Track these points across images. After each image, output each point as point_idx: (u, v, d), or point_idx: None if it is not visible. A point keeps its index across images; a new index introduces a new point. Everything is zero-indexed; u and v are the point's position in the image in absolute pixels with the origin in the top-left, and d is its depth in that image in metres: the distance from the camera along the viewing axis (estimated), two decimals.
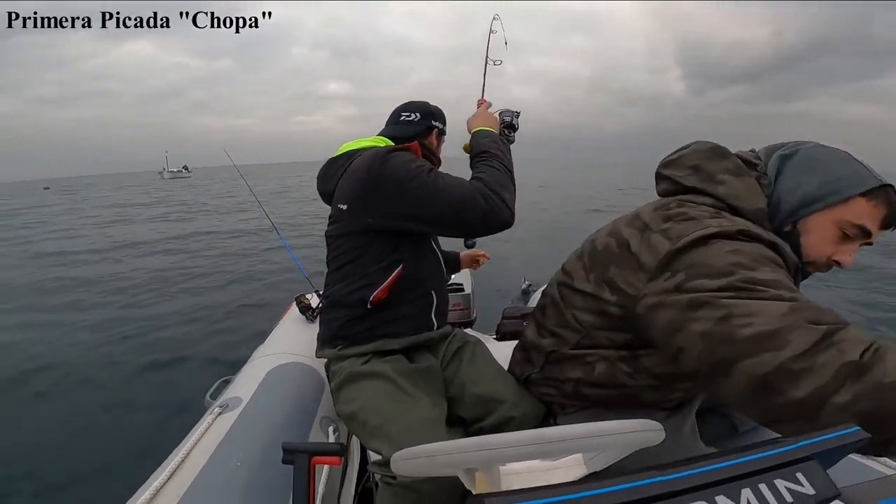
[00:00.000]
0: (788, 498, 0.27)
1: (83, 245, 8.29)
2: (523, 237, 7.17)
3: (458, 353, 1.13)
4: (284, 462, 0.70)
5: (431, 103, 1.19)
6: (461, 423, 1.05)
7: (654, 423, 0.53)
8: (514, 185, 1.04)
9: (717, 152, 0.80)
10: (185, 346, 3.31)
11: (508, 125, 1.22)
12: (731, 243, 0.64)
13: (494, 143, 1.08)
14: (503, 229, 1.01)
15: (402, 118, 1.15)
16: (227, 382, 1.26)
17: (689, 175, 0.80)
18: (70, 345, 3.40)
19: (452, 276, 1.45)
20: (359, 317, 1.04)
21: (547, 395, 0.95)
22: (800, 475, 0.28)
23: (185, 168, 65.93)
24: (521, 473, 0.59)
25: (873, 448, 0.55)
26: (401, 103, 1.19)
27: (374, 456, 0.94)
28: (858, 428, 0.30)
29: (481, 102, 1.29)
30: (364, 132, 1.21)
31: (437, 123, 1.17)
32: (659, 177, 0.87)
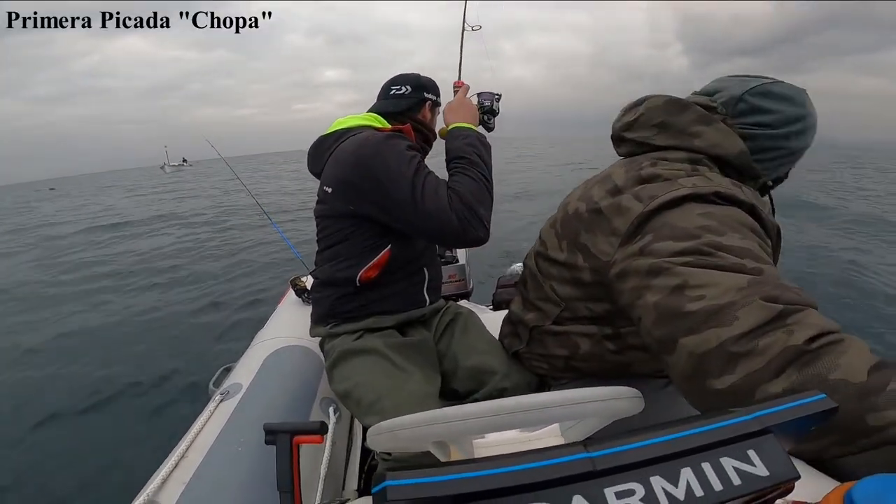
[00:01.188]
0: (735, 480, 0.24)
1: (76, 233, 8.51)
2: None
3: (449, 326, 1.12)
4: (267, 443, 0.70)
5: (422, 74, 1.13)
6: (456, 397, 1.04)
7: (631, 390, 0.49)
8: (491, 195, 0.97)
9: (676, 104, 0.75)
10: (190, 337, 3.36)
11: (488, 110, 1.12)
12: (704, 206, 0.61)
13: (472, 147, 0.99)
14: (475, 246, 0.95)
15: (392, 92, 1.10)
16: (229, 370, 1.27)
17: (657, 134, 0.76)
18: (70, 348, 3.41)
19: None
20: (349, 294, 1.03)
21: (538, 368, 0.94)
22: (751, 452, 0.24)
23: (185, 160, 65.09)
24: (495, 446, 0.57)
25: (805, 456, 0.50)
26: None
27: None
28: (824, 395, 0.26)
29: (458, 85, 1.16)
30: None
31: (429, 95, 1.11)
32: (621, 140, 0.83)
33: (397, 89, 1.09)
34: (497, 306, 1.67)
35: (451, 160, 0.99)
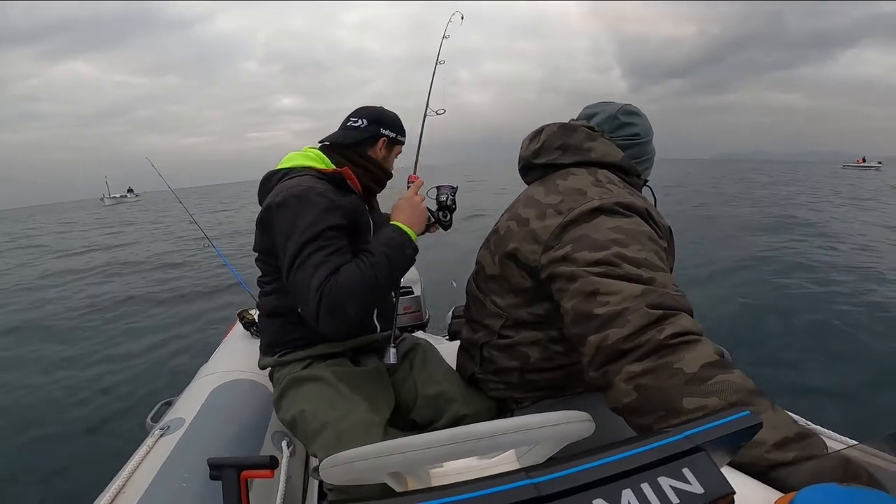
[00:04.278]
0: (674, 499, 0.25)
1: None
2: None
3: (407, 357, 1.11)
4: (212, 478, 0.66)
5: (388, 109, 1.09)
6: (414, 427, 1.03)
7: (581, 414, 0.51)
8: (374, 299, 0.92)
9: (567, 127, 0.91)
10: (123, 372, 3.13)
11: (445, 206, 1.09)
12: (613, 219, 0.74)
13: (387, 248, 0.93)
14: (326, 335, 0.93)
15: (349, 123, 1.07)
16: (169, 405, 1.20)
17: (562, 155, 0.90)
18: None
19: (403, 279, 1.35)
20: (295, 323, 1.00)
21: (496, 391, 0.95)
22: (686, 471, 0.26)
23: (131, 191, 58.84)
24: (452, 474, 0.56)
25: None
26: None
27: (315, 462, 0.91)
28: (748, 412, 0.28)
29: (412, 180, 1.10)
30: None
31: (386, 132, 1.06)
32: (533, 167, 0.95)
33: (354, 121, 1.06)
34: (453, 336, 1.68)
35: (362, 251, 0.94)
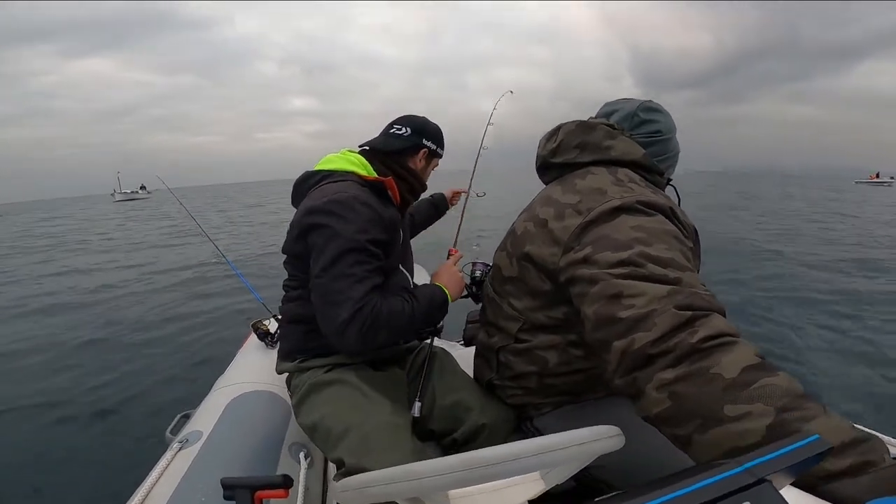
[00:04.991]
0: None
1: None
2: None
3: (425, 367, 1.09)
4: (225, 498, 0.65)
5: (432, 121, 1.09)
6: (432, 437, 1.01)
7: (610, 428, 0.49)
8: (403, 334, 1.03)
9: (586, 126, 0.89)
10: (142, 384, 3.12)
11: (479, 281, 1.16)
12: (635, 218, 0.70)
13: (430, 303, 1.00)
14: (339, 346, 0.92)
15: (392, 130, 1.07)
16: (187, 417, 1.20)
17: (580, 153, 0.87)
18: (16, 384, 3.21)
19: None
20: (319, 330, 0.97)
21: (514, 397, 0.93)
22: None
23: (143, 188, 56.59)
24: (473, 495, 0.53)
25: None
26: (397, 117, 1.10)
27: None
28: (817, 436, 0.24)
29: (452, 252, 1.20)
30: (329, 148, 1.11)
31: (428, 143, 1.07)
32: (551, 167, 0.93)
33: (398, 128, 1.06)
34: (468, 342, 1.65)
35: (410, 291, 1.00)
